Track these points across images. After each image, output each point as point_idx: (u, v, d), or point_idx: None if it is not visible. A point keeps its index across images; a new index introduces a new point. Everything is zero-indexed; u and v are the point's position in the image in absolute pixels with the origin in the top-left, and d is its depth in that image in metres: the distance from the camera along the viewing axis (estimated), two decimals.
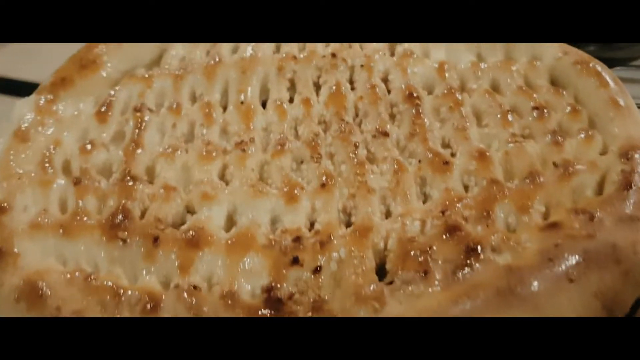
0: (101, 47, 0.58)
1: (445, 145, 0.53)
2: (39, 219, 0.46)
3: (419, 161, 0.51)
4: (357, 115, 0.56)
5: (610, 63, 0.65)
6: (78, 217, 0.45)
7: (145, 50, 0.60)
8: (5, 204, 0.47)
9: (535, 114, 0.53)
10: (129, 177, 0.48)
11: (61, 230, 0.45)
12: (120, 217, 0.45)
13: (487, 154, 0.50)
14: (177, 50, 0.61)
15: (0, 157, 0.50)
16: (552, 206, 0.46)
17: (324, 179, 0.50)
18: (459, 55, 0.60)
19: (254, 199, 0.48)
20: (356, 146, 0.52)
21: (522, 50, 0.60)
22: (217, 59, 0.59)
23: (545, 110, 0.54)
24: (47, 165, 0.50)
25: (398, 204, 0.48)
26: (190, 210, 0.48)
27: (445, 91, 0.56)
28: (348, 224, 0.47)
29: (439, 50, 0.61)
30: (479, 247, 0.42)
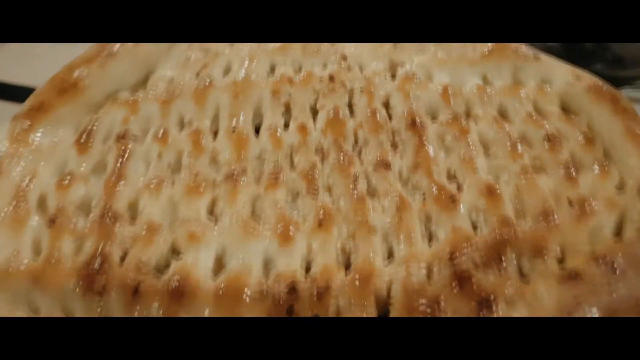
0: (82, 69, 0.54)
1: (451, 176, 0.49)
2: (10, 264, 0.42)
3: (424, 196, 0.47)
4: (356, 143, 0.52)
5: (617, 82, 0.62)
6: (52, 262, 0.42)
7: (130, 71, 0.56)
8: None
9: (546, 145, 0.50)
10: (109, 215, 0.45)
11: (33, 278, 0.41)
12: (97, 262, 0.41)
13: (497, 190, 0.46)
14: (164, 72, 0.57)
15: None
16: (569, 249, 0.42)
17: (321, 215, 0.46)
18: (463, 78, 0.57)
19: (245, 240, 0.44)
20: (356, 179, 0.49)
21: (531, 72, 0.56)
22: (207, 82, 0.56)
23: (557, 140, 0.50)
24: (21, 200, 0.46)
25: (402, 245, 0.44)
26: (176, 251, 0.44)
27: (450, 118, 0.53)
28: (347, 265, 0.44)
29: (442, 73, 0.57)
30: (492, 300, 0.38)
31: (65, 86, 0.53)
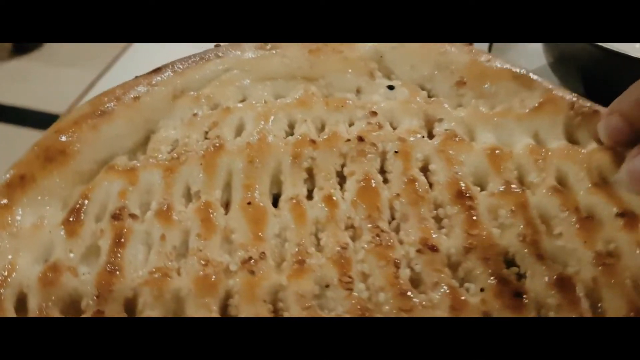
0: (71, 133, 0.46)
1: (509, 260, 0.42)
2: None
3: (481, 290, 0.39)
4: (393, 218, 0.45)
5: None
6: None
7: (128, 132, 0.48)
8: None
9: (621, 222, 0.42)
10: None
11: None
12: None
13: (575, 287, 0.39)
14: (167, 132, 0.49)
15: None
16: None
17: (358, 313, 0.38)
18: (512, 138, 0.49)
19: None
20: (397, 266, 0.41)
21: (589, 131, 0.49)
22: (217, 144, 0.48)
23: (633, 216, 0.43)
24: None
25: None
26: None
27: (503, 187, 0.45)
28: None
29: (486, 131, 0.50)
30: None
31: (51, 154, 0.45)
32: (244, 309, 0.39)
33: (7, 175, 0.44)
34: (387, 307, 0.39)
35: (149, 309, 0.38)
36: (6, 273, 0.39)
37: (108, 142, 0.48)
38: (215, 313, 0.39)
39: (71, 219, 0.43)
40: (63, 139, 0.46)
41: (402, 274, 0.40)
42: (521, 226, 0.42)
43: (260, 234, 0.43)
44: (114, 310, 0.38)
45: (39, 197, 0.44)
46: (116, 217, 0.43)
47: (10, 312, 0.37)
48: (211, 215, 0.44)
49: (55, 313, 0.37)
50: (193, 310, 0.38)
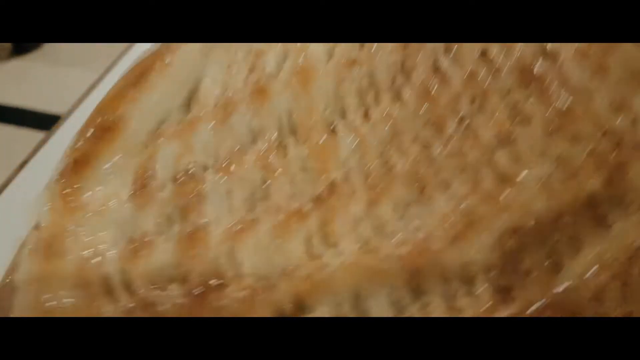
0: (113, 109, 0.45)
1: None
2: None
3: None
4: (461, 120, 0.42)
5: None
6: None
7: (171, 94, 0.47)
8: None
9: None
10: (198, 287, 0.37)
11: None
12: None
13: None
14: (208, 85, 0.47)
15: (25, 290, 0.38)
16: None
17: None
18: None
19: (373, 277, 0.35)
20: (477, 171, 0.39)
21: None
22: (260, 86, 0.46)
23: None
24: (87, 287, 0.38)
25: None
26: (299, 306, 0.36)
27: None
28: None
29: None
30: None
31: (101, 133, 0.44)
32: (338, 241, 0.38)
33: (66, 161, 0.44)
34: None
35: (243, 263, 0.38)
36: (94, 256, 0.39)
37: (152, 110, 0.46)
38: (302, 252, 0.38)
39: (137, 192, 0.42)
40: (111, 115, 0.45)
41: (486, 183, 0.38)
42: None
43: (328, 165, 0.42)
44: (206, 271, 0.38)
45: (100, 177, 0.43)
46: (180, 181, 0.42)
47: (101, 297, 0.38)
48: (274, 158, 0.42)
49: (150, 289, 0.38)
50: (283, 259, 0.38)
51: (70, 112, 0.69)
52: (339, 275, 0.36)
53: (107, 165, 0.43)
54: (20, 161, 0.60)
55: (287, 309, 0.36)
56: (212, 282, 0.37)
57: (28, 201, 0.46)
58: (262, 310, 0.36)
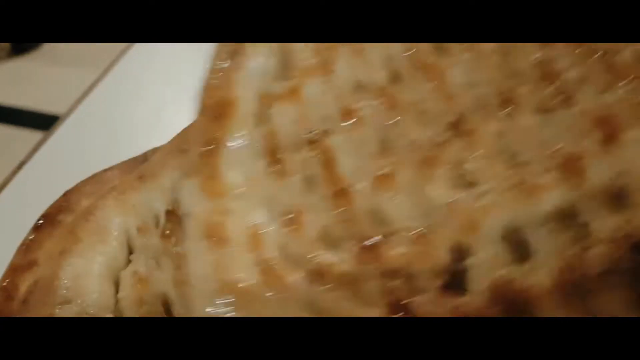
0: (223, 82, 0.45)
1: None
2: None
3: None
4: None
5: None
6: None
7: (266, 59, 0.46)
8: None
9: None
10: (363, 242, 0.38)
11: None
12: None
13: None
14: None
15: (205, 281, 0.41)
16: None
17: None
18: None
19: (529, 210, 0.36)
20: None
21: None
22: None
23: None
24: (267, 267, 0.39)
25: None
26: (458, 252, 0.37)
27: None
28: None
29: None
30: None
31: (217, 110, 0.45)
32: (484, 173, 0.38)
33: (196, 144, 0.44)
34: None
35: (394, 213, 0.39)
36: (255, 237, 0.41)
37: (255, 77, 0.46)
38: (449, 194, 0.39)
39: (272, 161, 0.43)
40: (222, 92, 0.45)
41: None
42: None
43: (447, 92, 0.41)
44: (365, 226, 0.39)
45: (231, 154, 0.44)
46: (309, 141, 0.43)
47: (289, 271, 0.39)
48: (396, 96, 0.42)
49: (319, 255, 0.39)
50: (436, 197, 0.38)
51: (69, 112, 0.69)
52: (494, 214, 0.36)
53: (232, 144, 0.44)
54: (18, 161, 0.62)
55: (446, 259, 0.36)
56: (367, 242, 0.38)
57: (27, 201, 0.47)
58: (422, 263, 0.36)
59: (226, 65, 0.46)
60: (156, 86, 0.76)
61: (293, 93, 0.45)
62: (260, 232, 0.40)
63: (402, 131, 0.41)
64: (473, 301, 0.34)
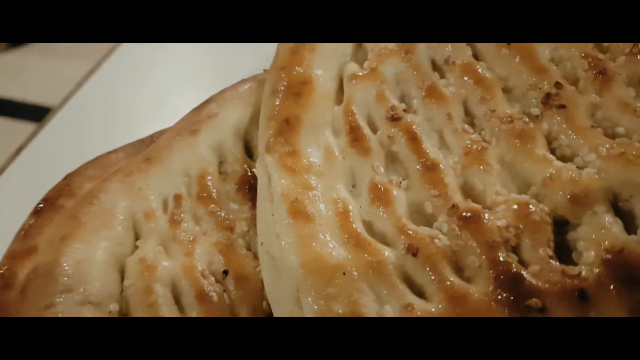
0: (299, 65, 0.45)
1: None
2: None
3: None
4: None
5: None
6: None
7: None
8: None
9: None
10: (462, 215, 0.36)
11: None
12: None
13: None
14: None
15: (295, 248, 0.37)
16: None
17: None
18: None
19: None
20: None
21: None
22: None
23: None
24: (356, 243, 0.37)
25: None
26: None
27: None
28: None
29: None
30: None
31: (296, 89, 0.44)
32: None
33: (272, 125, 0.43)
34: None
35: (486, 187, 0.38)
36: (342, 213, 0.39)
37: (332, 57, 0.46)
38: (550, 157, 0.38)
39: (354, 138, 0.42)
40: (297, 72, 0.45)
41: None
42: None
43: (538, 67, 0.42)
44: (459, 200, 0.38)
45: (312, 131, 0.43)
46: (392, 118, 0.42)
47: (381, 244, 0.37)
48: (478, 70, 0.43)
49: (417, 229, 0.37)
50: (530, 168, 0.38)
51: (62, 104, 0.68)
52: (599, 184, 0.36)
53: (312, 121, 0.43)
54: (12, 152, 0.60)
55: (551, 231, 0.35)
56: (466, 214, 0.37)
57: (21, 191, 0.45)
58: (527, 235, 0.35)
59: (298, 46, 0.46)
60: (156, 72, 0.74)
61: (373, 72, 0.45)
62: (346, 207, 0.39)
63: (489, 106, 0.41)
64: (587, 273, 0.33)
